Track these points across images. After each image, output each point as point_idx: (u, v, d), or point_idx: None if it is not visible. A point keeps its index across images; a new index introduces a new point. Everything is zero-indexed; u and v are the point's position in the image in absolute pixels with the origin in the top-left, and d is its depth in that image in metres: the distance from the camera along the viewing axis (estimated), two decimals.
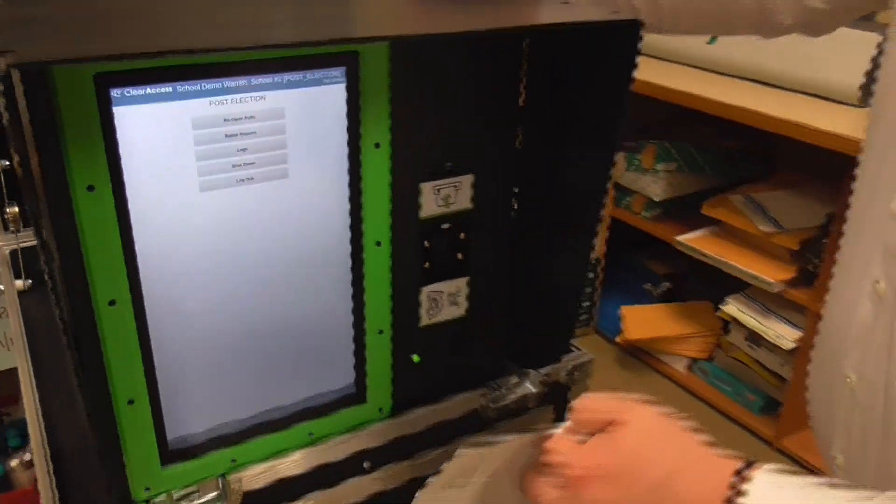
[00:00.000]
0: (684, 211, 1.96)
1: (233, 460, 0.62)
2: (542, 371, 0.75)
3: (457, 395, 0.72)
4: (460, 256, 0.68)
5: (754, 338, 1.82)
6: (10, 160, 0.93)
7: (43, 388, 0.73)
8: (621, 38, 0.55)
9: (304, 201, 0.58)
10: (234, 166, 0.53)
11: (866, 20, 1.46)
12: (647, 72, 1.80)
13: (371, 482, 0.69)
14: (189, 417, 0.59)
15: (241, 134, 0.53)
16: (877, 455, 0.62)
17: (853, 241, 0.67)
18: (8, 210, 0.92)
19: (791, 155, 1.95)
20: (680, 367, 2.03)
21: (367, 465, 0.68)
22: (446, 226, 0.66)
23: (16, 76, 0.38)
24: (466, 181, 0.65)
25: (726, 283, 1.84)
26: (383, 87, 0.57)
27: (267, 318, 0.60)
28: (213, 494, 0.61)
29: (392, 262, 0.64)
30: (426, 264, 0.66)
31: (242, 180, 0.54)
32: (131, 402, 0.55)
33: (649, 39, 1.87)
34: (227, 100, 0.51)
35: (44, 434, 0.66)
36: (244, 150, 0.53)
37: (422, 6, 0.61)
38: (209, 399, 0.60)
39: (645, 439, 0.47)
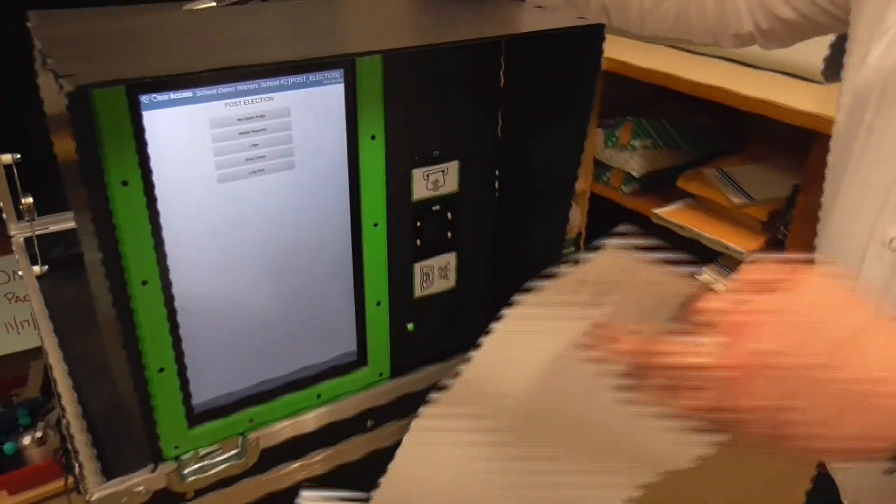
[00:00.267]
0: (661, 185, 2.02)
1: (250, 421, 0.68)
2: None
3: (448, 359, 0.78)
4: (449, 234, 0.74)
5: None
6: (23, 154, 0.99)
7: (69, 364, 0.80)
8: (588, 40, 0.62)
9: (309, 189, 0.64)
10: (247, 160, 0.60)
11: None
12: (624, 53, 1.86)
13: (373, 439, 0.76)
14: (211, 383, 0.66)
15: (252, 131, 0.59)
16: None
17: (843, 208, 0.65)
18: (23, 201, 0.97)
19: (760, 129, 2.02)
20: None
21: (369, 423, 0.75)
22: (436, 207, 0.72)
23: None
24: (453, 167, 0.71)
25: (701, 253, 1.92)
26: (377, 87, 0.63)
27: (278, 294, 0.66)
28: (234, 451, 0.68)
29: (388, 241, 0.70)
30: (418, 242, 0.73)
31: (254, 172, 0.60)
32: (161, 370, 0.62)
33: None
34: (240, 101, 0.57)
35: (77, 403, 0.73)
36: (255, 145, 0.60)
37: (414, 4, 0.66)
38: (229, 367, 0.66)
39: (826, 297, 0.41)
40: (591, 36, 0.61)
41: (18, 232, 1.01)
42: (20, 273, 1.26)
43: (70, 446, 1.08)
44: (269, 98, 0.59)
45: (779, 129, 1.60)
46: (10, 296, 1.42)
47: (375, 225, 0.69)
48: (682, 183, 1.92)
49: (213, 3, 0.61)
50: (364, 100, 0.63)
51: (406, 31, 0.63)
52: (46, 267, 0.98)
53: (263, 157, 0.60)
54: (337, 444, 0.73)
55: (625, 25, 0.82)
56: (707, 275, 1.90)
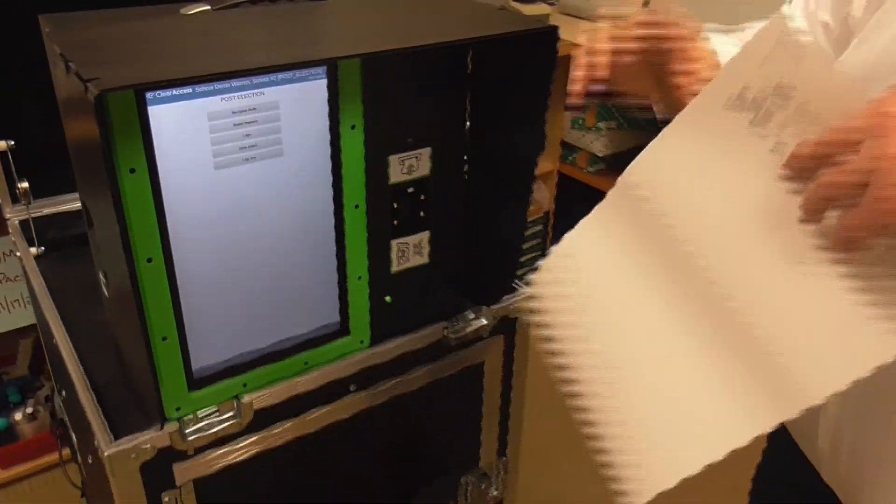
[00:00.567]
0: (625, 165, 2.11)
1: (244, 385, 0.75)
2: (493, 307, 0.89)
3: (423, 329, 0.85)
4: (422, 214, 0.80)
5: None
6: (17, 140, 1.03)
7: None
8: (545, 40, 0.69)
9: (296, 174, 0.70)
10: (240, 148, 0.66)
11: None
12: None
13: (356, 401, 0.83)
14: (209, 351, 0.72)
15: (245, 123, 0.65)
16: None
17: None
18: (19, 185, 1.02)
19: None
20: None
21: (352, 387, 0.82)
22: (410, 189, 0.78)
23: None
24: (426, 153, 0.77)
25: None
26: (356, 83, 0.69)
27: (268, 270, 0.73)
28: (230, 413, 0.74)
29: (367, 221, 0.76)
30: (395, 221, 0.78)
31: (247, 159, 0.67)
32: (165, 339, 0.68)
33: (589, 7, 2.05)
34: (234, 96, 0.64)
35: (83, 372, 0.79)
36: (248, 135, 0.66)
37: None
38: (225, 336, 0.73)
39: None
40: (548, 36, 0.68)
41: (14, 215, 1.06)
42: (11, 254, 1.31)
43: (66, 418, 1.15)
44: (260, 93, 0.65)
45: None
46: (0, 277, 1.46)
47: (356, 206, 0.75)
48: None
49: (208, 7, 0.67)
50: (345, 94, 0.69)
51: (383, 33, 0.69)
52: (43, 248, 1.03)
53: (255, 145, 0.67)
54: (323, 406, 0.80)
55: None
56: None
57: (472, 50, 0.75)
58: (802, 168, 0.43)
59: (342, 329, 0.80)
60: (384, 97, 0.71)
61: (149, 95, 0.59)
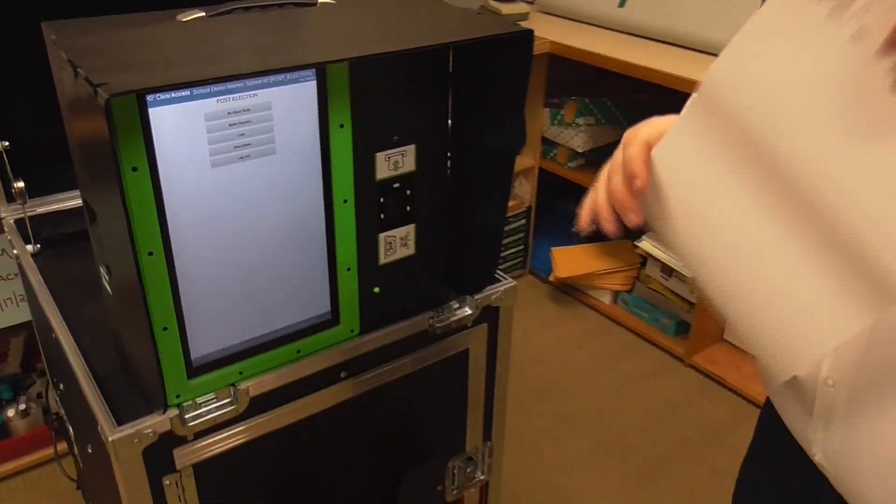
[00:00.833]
0: (604, 160, 2.15)
1: (241, 373, 0.78)
2: (476, 296, 0.93)
3: (410, 318, 0.88)
4: (408, 208, 0.83)
5: (667, 270, 2.05)
6: (11, 141, 1.06)
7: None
8: (521, 43, 0.73)
9: (288, 171, 0.74)
10: (235, 147, 0.70)
11: None
12: (569, 36, 1.98)
13: (347, 388, 0.86)
14: (207, 341, 0.76)
15: (239, 123, 0.69)
16: None
17: None
18: (14, 185, 1.05)
19: None
20: (605, 299, 2.26)
21: (343, 374, 0.85)
22: (396, 185, 0.81)
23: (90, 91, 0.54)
24: (410, 150, 0.81)
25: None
26: (344, 84, 0.73)
27: (262, 262, 0.76)
28: (227, 399, 0.78)
29: (356, 215, 0.80)
30: (382, 215, 0.82)
31: (242, 157, 0.70)
32: (165, 329, 0.72)
33: (569, 5, 2.08)
34: (229, 98, 0.67)
35: (84, 363, 0.82)
36: (242, 134, 0.70)
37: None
38: (222, 326, 0.76)
39: None
40: (523, 39, 0.72)
41: (9, 214, 1.08)
42: (3, 253, 1.33)
43: (62, 411, 1.17)
44: (254, 94, 0.69)
45: None
46: None
47: (345, 201, 0.78)
48: None
49: (203, 14, 0.70)
50: (333, 95, 0.72)
51: (368, 37, 0.72)
52: (38, 246, 1.06)
53: (249, 144, 0.70)
54: (315, 392, 0.84)
55: None
56: (647, 242, 2.05)
57: (454, 52, 0.78)
58: None
59: (333, 319, 0.84)
60: (371, 97, 0.75)
61: (149, 98, 0.63)
